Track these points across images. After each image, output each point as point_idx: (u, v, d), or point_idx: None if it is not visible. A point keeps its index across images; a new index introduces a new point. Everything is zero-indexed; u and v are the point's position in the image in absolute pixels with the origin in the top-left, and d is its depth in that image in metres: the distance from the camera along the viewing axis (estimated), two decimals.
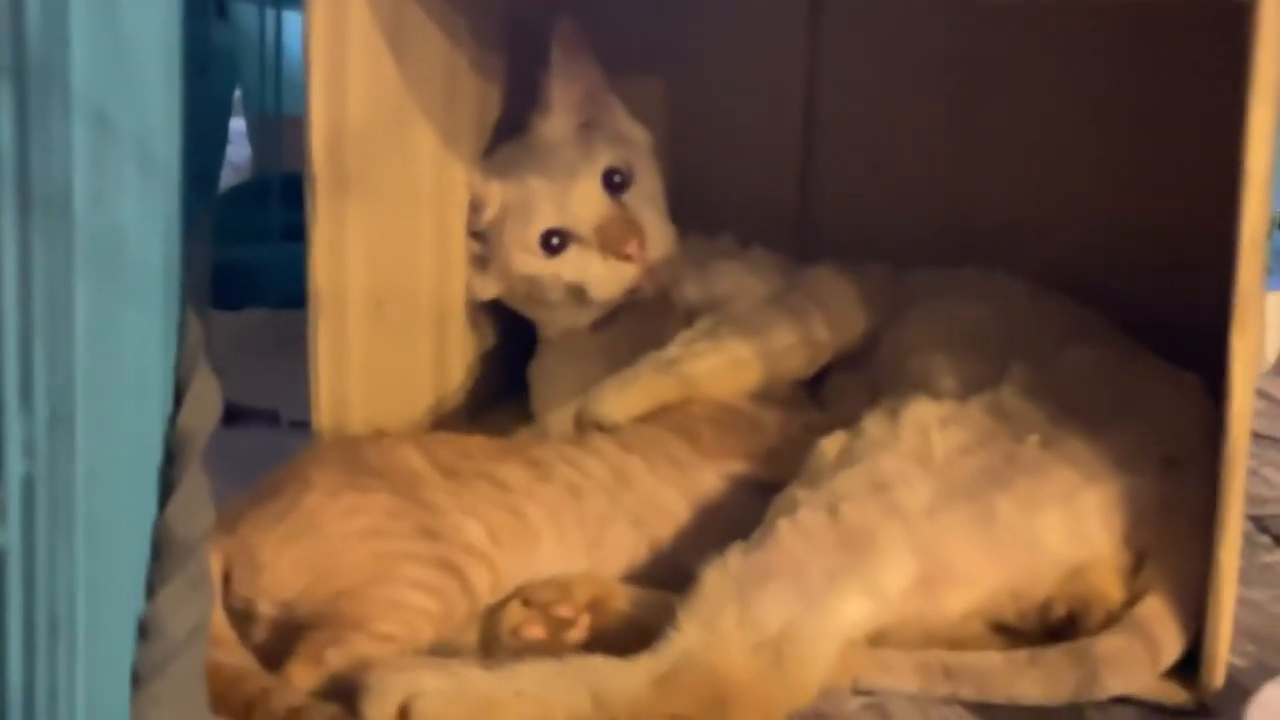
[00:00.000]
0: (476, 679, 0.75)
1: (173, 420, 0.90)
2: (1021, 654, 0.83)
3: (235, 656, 0.77)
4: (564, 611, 0.83)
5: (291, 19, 1.49)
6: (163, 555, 0.78)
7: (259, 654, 0.79)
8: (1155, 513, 0.85)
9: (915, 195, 1.16)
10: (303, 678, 0.76)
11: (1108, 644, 0.82)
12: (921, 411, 0.87)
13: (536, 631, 0.82)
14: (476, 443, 0.90)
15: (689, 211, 1.08)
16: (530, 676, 0.76)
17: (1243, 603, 0.83)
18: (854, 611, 0.80)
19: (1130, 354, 0.96)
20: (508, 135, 1.10)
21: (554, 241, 1.04)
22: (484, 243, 1.07)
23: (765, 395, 0.97)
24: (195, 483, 0.84)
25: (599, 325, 1.07)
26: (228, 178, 1.59)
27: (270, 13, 1.48)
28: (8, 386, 0.39)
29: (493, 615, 0.83)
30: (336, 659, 0.76)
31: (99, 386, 0.55)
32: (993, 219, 1.13)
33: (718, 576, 0.79)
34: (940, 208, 1.15)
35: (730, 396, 0.96)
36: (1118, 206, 1.10)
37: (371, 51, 0.96)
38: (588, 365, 1.03)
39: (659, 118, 1.16)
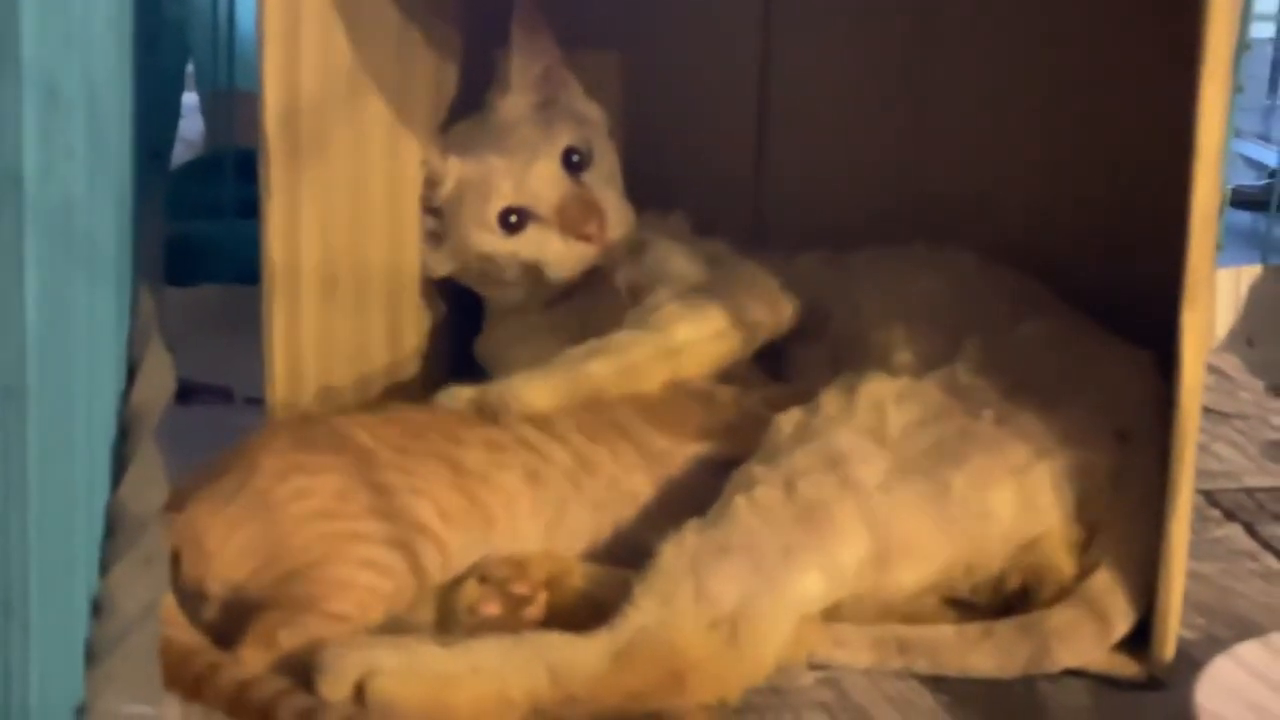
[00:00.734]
0: (433, 656, 0.75)
1: (125, 396, 0.89)
2: (974, 628, 0.84)
3: (185, 634, 0.77)
4: (521, 588, 0.83)
5: None
6: (116, 532, 0.78)
7: (209, 633, 0.78)
8: (1106, 487, 0.86)
9: (868, 173, 1.16)
10: (254, 659, 0.76)
11: (1059, 617, 0.83)
12: (877, 388, 0.88)
13: (493, 608, 0.82)
14: (433, 422, 0.89)
15: (644, 190, 1.08)
16: (487, 653, 0.76)
17: (1193, 576, 0.84)
18: (810, 587, 0.80)
19: (1081, 329, 0.97)
20: (464, 113, 1.09)
21: (512, 220, 1.04)
22: (439, 219, 1.06)
23: (722, 372, 0.97)
24: (148, 459, 0.84)
25: (551, 303, 1.06)
26: (180, 153, 1.58)
27: None
28: None
29: (449, 592, 0.83)
30: (288, 640, 0.76)
31: (50, 361, 0.54)
32: (945, 195, 1.13)
33: (674, 553, 0.79)
34: (893, 185, 1.15)
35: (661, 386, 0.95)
36: (1068, 182, 1.11)
37: (325, 25, 0.95)
38: (538, 343, 1.03)
39: (614, 96, 1.15)
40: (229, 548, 0.80)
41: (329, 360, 0.98)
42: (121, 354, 0.91)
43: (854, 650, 0.83)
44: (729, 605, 0.78)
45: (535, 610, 0.82)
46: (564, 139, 1.04)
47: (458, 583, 0.83)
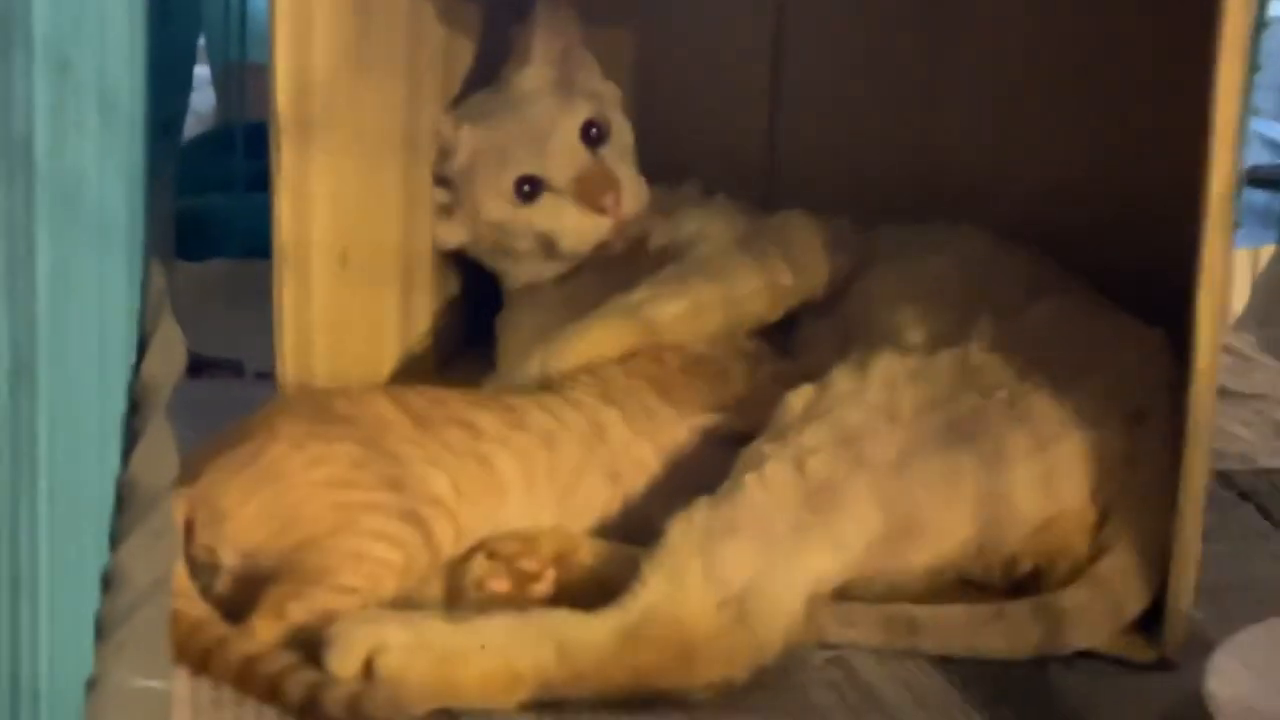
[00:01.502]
0: (441, 632, 0.75)
1: (137, 370, 0.89)
2: (985, 608, 0.83)
3: (194, 607, 0.77)
4: (529, 565, 0.83)
5: None
6: (126, 505, 0.78)
7: (220, 605, 0.78)
8: (1120, 468, 0.86)
9: (880, 150, 1.15)
10: (265, 631, 0.76)
11: (1071, 599, 0.82)
12: (890, 366, 0.87)
13: (501, 585, 0.82)
14: (451, 391, 0.90)
15: (655, 167, 1.08)
16: (495, 630, 0.76)
17: (1206, 557, 0.83)
18: (819, 566, 0.80)
19: (1095, 308, 0.97)
20: (475, 90, 1.09)
21: (527, 189, 1.03)
22: (451, 189, 1.06)
23: (734, 346, 0.97)
24: (159, 433, 0.84)
25: (563, 278, 1.06)
26: (193, 126, 1.57)
27: None
28: None
29: (458, 568, 0.83)
30: (299, 612, 0.76)
31: (61, 335, 0.54)
32: (957, 172, 1.13)
33: (683, 531, 0.79)
34: (905, 162, 1.15)
35: (694, 341, 0.96)
36: (1083, 160, 1.10)
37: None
38: (552, 318, 1.02)
39: (627, 72, 1.15)
40: (242, 514, 0.80)
41: (340, 336, 0.98)
42: (132, 328, 0.90)
43: (864, 629, 0.83)
44: (738, 584, 0.77)
45: (543, 587, 0.82)
46: (583, 112, 1.04)
47: (466, 558, 0.83)
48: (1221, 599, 0.89)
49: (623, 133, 1.06)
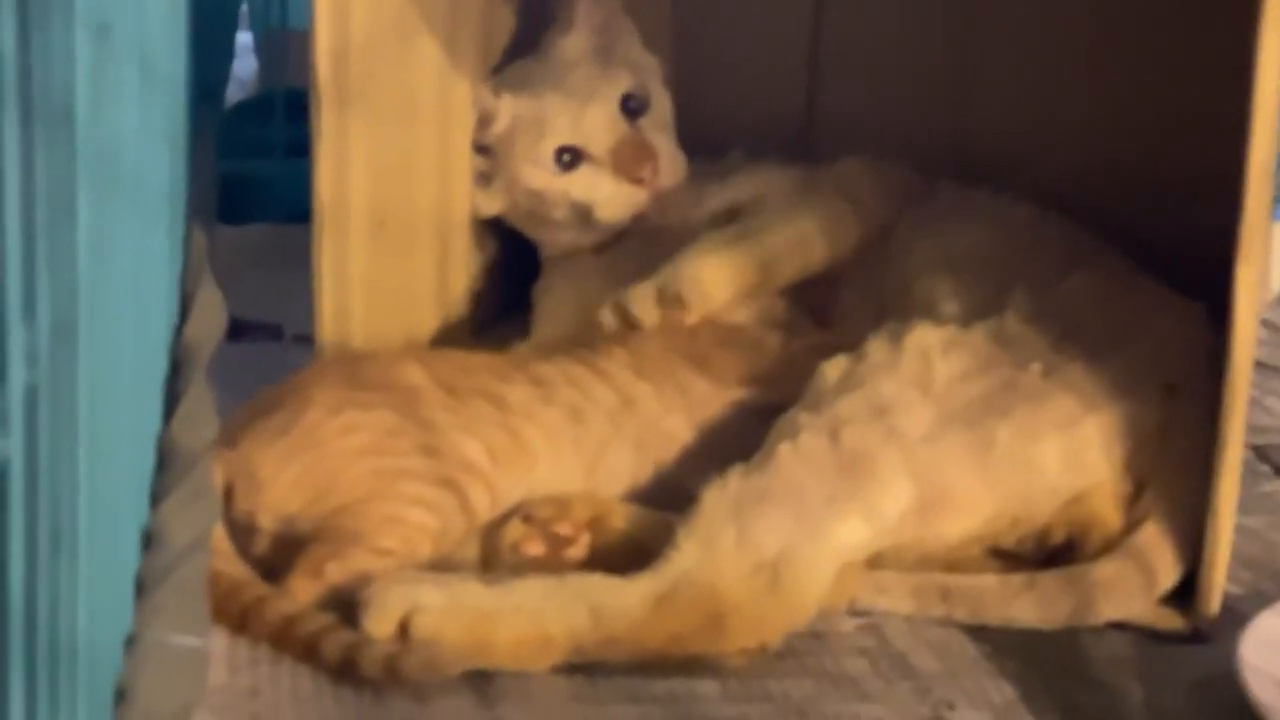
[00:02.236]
0: (476, 594, 0.76)
1: (178, 332, 0.90)
2: (1018, 578, 0.83)
3: (233, 567, 0.78)
4: (564, 529, 0.83)
5: None
6: (167, 466, 0.79)
7: (259, 568, 0.79)
8: (1155, 440, 0.85)
9: (919, 118, 1.15)
10: (303, 591, 0.77)
11: (1104, 570, 0.82)
12: (924, 337, 0.87)
13: (536, 548, 0.82)
14: (480, 360, 0.90)
15: (693, 134, 1.08)
16: (529, 593, 0.76)
17: (1240, 530, 0.83)
18: (851, 535, 0.80)
19: (1133, 280, 0.96)
20: (515, 57, 1.09)
21: (565, 158, 1.04)
22: (490, 157, 1.06)
23: (768, 317, 0.97)
24: (200, 395, 0.85)
25: (602, 247, 1.06)
26: (234, 93, 1.58)
27: None
28: (10, 296, 0.39)
29: (493, 532, 0.83)
30: (336, 573, 0.77)
31: (101, 296, 0.55)
32: (996, 141, 1.12)
33: (717, 498, 0.79)
34: (944, 130, 1.14)
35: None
36: (1122, 130, 1.09)
37: None
38: (589, 287, 1.03)
39: (665, 43, 1.15)
40: (280, 481, 0.81)
41: (378, 300, 0.99)
42: (174, 291, 0.91)
43: (895, 597, 0.83)
44: (771, 551, 0.78)
45: (578, 551, 0.83)
46: (623, 83, 1.05)
47: (502, 522, 0.84)
48: (1255, 572, 0.89)
49: (662, 104, 1.07)
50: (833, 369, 0.86)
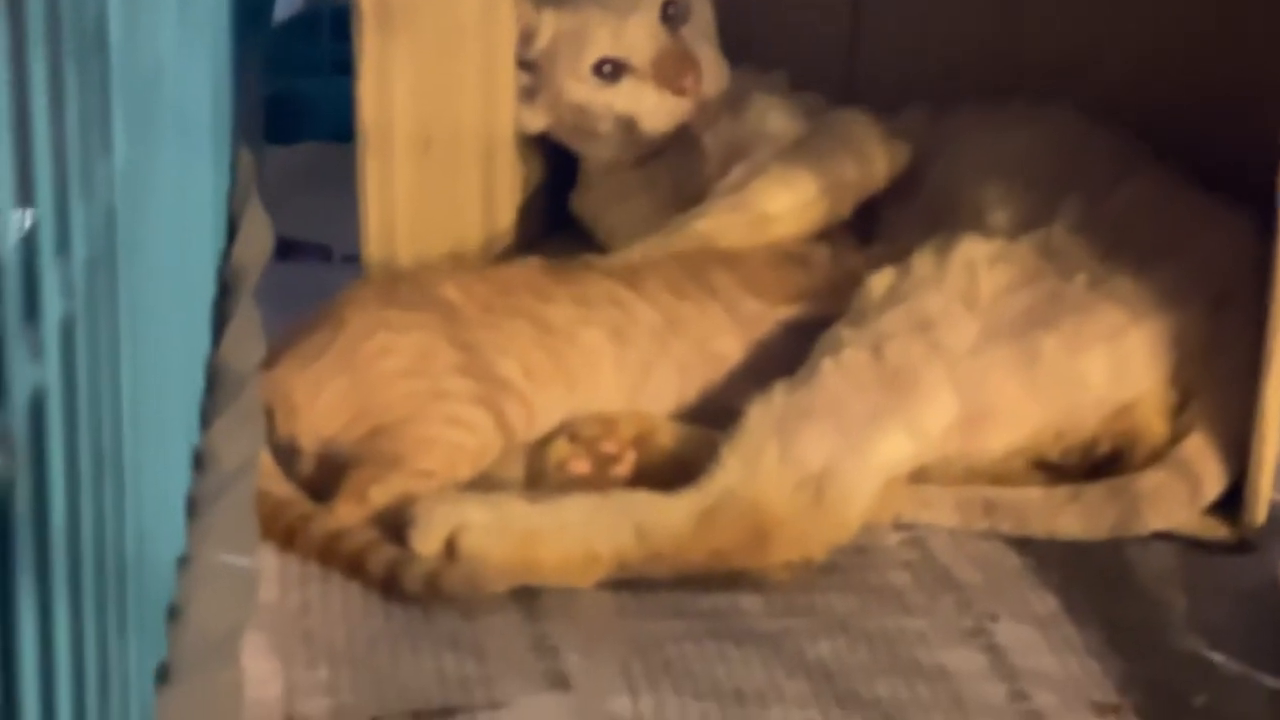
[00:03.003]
0: (521, 512, 0.77)
1: (225, 255, 0.91)
2: (1062, 490, 0.83)
3: (280, 487, 0.79)
4: (609, 447, 0.84)
5: None
6: (216, 387, 0.80)
7: (304, 488, 0.80)
8: (1202, 350, 0.85)
9: (964, 33, 1.13)
10: (348, 515, 0.78)
11: (1149, 480, 0.82)
12: (970, 250, 0.87)
13: (582, 466, 0.83)
14: (522, 278, 0.90)
15: (737, 51, 1.07)
16: (574, 510, 0.77)
17: None
18: (895, 450, 0.80)
19: (1181, 190, 0.95)
20: None
21: (607, 70, 1.03)
22: (533, 73, 1.06)
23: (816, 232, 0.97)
24: (248, 317, 0.85)
25: (642, 159, 1.06)
26: (283, 7, 1.58)
27: None
28: (43, 230, 0.40)
29: (538, 450, 0.84)
30: (380, 495, 0.78)
31: (139, 226, 0.55)
32: (1044, 53, 1.11)
33: (761, 414, 0.79)
34: (990, 44, 1.13)
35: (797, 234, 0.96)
36: (1172, 40, 1.08)
37: None
38: (634, 201, 1.03)
39: None
40: (318, 404, 0.82)
41: (423, 219, 0.99)
42: (221, 214, 0.92)
43: (939, 511, 0.83)
44: (814, 466, 0.78)
45: (623, 469, 0.84)
46: None
47: (547, 441, 0.84)
48: None
49: (703, 11, 1.06)
50: (878, 283, 0.86)
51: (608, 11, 1.03)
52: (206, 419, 0.77)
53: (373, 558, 0.75)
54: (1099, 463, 0.85)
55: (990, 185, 0.94)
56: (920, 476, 0.83)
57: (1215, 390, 0.84)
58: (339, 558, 0.76)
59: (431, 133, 0.99)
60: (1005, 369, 0.83)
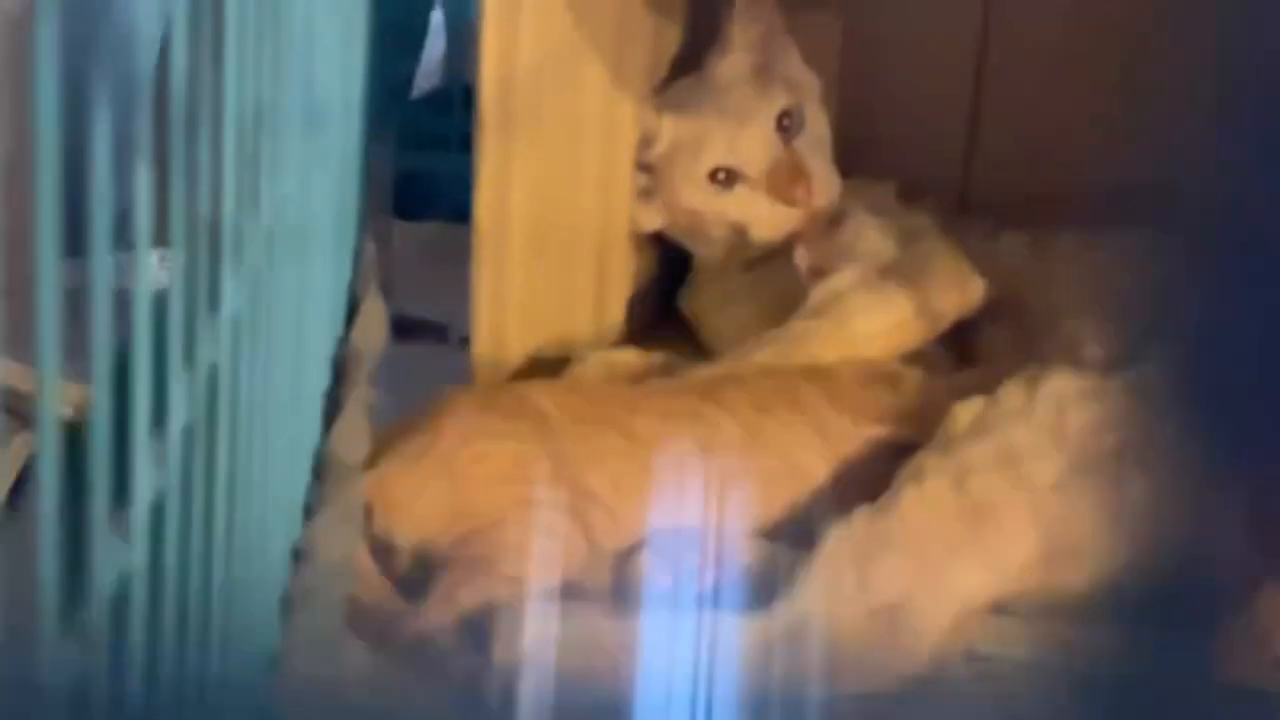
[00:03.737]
0: (599, 629, 0.79)
1: (342, 340, 0.95)
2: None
3: (373, 583, 0.82)
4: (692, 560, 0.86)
5: None
6: (323, 478, 0.84)
7: (398, 585, 0.84)
8: None
9: (1082, 146, 1.14)
10: (437, 615, 0.81)
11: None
12: (1060, 385, 0.88)
13: (665, 579, 0.86)
14: (613, 392, 0.93)
15: (854, 154, 1.09)
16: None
17: None
18: (972, 584, 0.82)
19: None
20: (684, 70, 1.11)
21: (721, 179, 1.06)
22: (651, 175, 1.09)
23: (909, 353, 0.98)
24: (358, 409, 0.89)
25: (752, 264, 1.09)
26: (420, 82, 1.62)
27: None
28: (171, 349, 0.44)
29: (624, 562, 0.87)
30: (467, 599, 0.81)
31: (259, 331, 0.59)
32: (1161, 178, 1.11)
33: (840, 539, 0.81)
34: (1108, 160, 1.13)
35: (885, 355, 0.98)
36: None
37: None
38: (740, 305, 1.06)
39: (830, 60, 1.16)
40: (416, 505, 0.85)
41: (534, 315, 1.02)
42: (340, 303, 0.96)
43: (1015, 644, 0.84)
44: (890, 596, 0.80)
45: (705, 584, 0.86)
46: (778, 103, 1.06)
47: (634, 552, 0.87)
48: None
49: (818, 123, 1.08)
50: (965, 412, 0.87)
51: (725, 119, 1.06)
52: (310, 509, 0.81)
53: (455, 665, 0.78)
54: None
55: (1087, 318, 0.95)
56: (999, 609, 0.84)
57: None
58: (425, 659, 0.79)
59: (548, 231, 1.02)
60: (1091, 508, 0.84)
